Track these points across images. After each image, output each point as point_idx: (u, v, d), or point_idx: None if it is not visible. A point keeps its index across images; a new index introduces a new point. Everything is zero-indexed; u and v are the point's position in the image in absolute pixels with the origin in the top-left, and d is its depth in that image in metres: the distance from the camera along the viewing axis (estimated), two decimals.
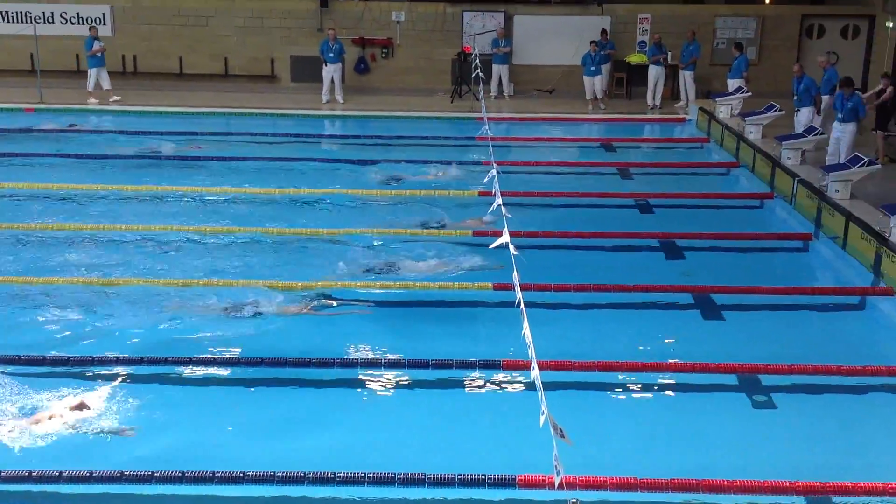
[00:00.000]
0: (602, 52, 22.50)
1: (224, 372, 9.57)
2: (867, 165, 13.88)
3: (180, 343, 10.04)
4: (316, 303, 11.14)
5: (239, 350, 9.90)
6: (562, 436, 5.62)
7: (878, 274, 11.79)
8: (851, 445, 8.48)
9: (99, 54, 22.24)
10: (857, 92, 16.25)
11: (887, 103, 17.23)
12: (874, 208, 12.96)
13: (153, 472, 7.45)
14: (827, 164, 15.31)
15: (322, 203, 15.31)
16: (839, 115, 16.02)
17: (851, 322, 11.32)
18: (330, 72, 22.69)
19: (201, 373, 9.54)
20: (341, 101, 22.78)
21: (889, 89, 17.34)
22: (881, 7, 23.23)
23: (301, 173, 17.03)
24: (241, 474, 7.48)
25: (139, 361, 9.50)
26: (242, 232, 13.62)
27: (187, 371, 9.52)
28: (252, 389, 9.27)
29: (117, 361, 9.51)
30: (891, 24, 22.52)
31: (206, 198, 15.39)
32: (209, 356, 9.74)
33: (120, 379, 9.27)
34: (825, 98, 17.72)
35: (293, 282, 11.60)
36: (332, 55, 22.55)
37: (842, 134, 15.99)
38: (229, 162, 17.62)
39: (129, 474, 7.44)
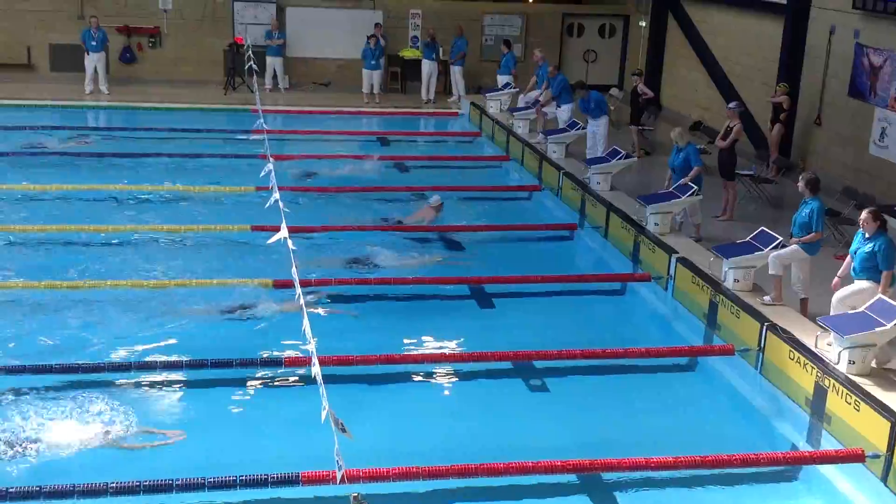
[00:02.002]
0: (381, 46, 22.70)
1: None
2: (625, 158, 14.79)
3: None
4: (80, 305, 10.66)
5: None
6: (343, 430, 5.67)
7: (637, 261, 12.60)
8: (618, 424, 9.04)
9: None
10: (591, 91, 17.22)
11: (640, 99, 18.41)
12: (632, 199, 13.83)
13: None
14: (587, 157, 16.17)
15: (90, 199, 14.59)
16: (588, 115, 16.99)
17: (614, 307, 12.04)
18: (93, 61, 21.58)
19: None
20: (106, 92, 21.73)
21: (641, 86, 18.53)
22: (634, 7, 24.75)
23: (65, 167, 16.14)
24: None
25: None
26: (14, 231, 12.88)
27: None
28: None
29: None
30: (643, 24, 24.04)
31: None
32: None
33: None
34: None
35: (60, 281, 11.05)
36: (94, 44, 21.46)
37: (596, 128, 16.95)
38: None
39: None
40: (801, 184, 10.65)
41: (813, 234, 10.31)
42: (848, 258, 9.71)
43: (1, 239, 12.69)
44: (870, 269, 9.32)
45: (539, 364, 9.96)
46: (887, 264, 9.24)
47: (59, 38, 22.87)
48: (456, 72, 23.02)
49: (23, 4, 22.68)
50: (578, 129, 16.93)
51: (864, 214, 9.44)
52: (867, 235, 9.34)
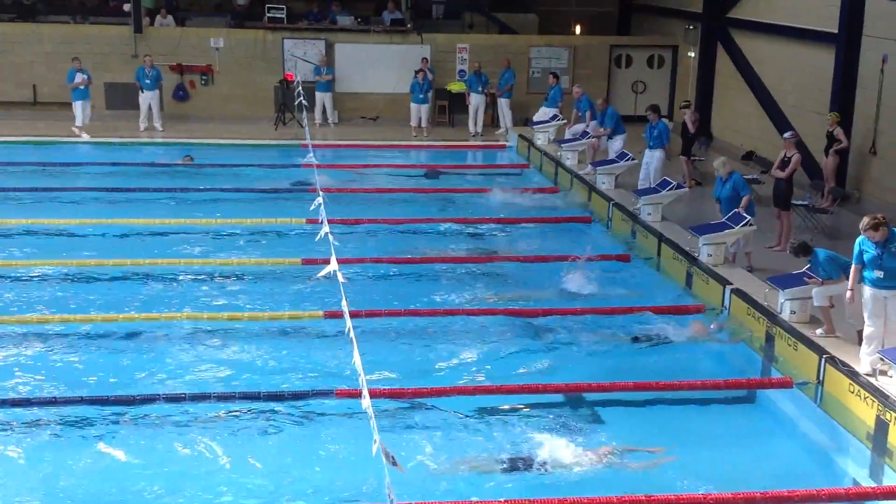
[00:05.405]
0: (428, 80, 22.85)
1: None
2: (675, 189, 14.66)
3: None
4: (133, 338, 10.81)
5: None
6: (394, 464, 5.62)
7: (690, 292, 12.42)
8: (674, 459, 8.84)
9: (82, 87, 20.84)
10: (661, 119, 17.14)
11: (689, 132, 18.27)
12: (683, 229, 13.68)
13: None
14: (638, 188, 16.05)
15: (143, 234, 14.80)
16: (649, 143, 16.86)
17: (672, 339, 11.79)
18: (147, 99, 22.01)
19: None
20: (160, 129, 22.12)
21: (689, 115, 18.37)
22: (683, 38, 24.65)
23: (125, 203, 16.42)
24: None
25: None
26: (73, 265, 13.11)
27: None
28: None
29: None
30: (692, 54, 23.93)
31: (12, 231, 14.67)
32: None
33: None
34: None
35: (116, 314, 11.23)
36: (148, 82, 21.89)
37: (650, 160, 16.84)
38: (47, 192, 16.76)
39: None
40: (791, 254, 10.69)
41: (831, 281, 10.07)
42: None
43: (58, 272, 12.92)
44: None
45: (590, 396, 9.83)
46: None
47: (114, 77, 23.34)
48: (503, 104, 23.08)
49: (83, 47, 23.17)
50: (628, 160, 16.83)
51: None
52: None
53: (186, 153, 19.74)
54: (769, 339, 10.40)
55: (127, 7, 23.90)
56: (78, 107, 21.16)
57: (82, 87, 21.12)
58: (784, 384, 9.79)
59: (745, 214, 12.58)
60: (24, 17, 25.52)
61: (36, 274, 12.85)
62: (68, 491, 7.95)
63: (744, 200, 12.91)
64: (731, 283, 11.59)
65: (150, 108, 22.08)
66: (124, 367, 10.21)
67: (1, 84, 23.59)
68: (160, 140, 21.61)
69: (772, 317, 10.49)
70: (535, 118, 21.85)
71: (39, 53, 23.58)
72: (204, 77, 24.13)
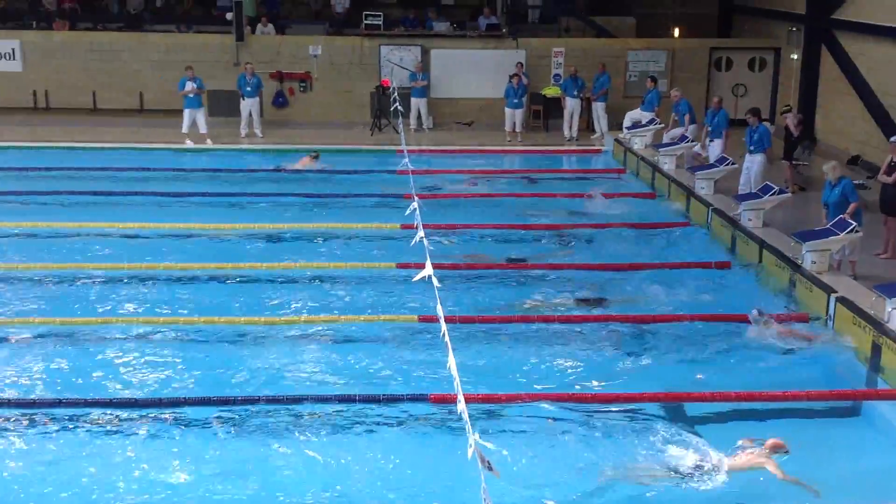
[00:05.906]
0: (523, 85, 22.80)
1: None
2: (778, 194, 14.29)
3: None
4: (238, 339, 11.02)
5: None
6: (490, 469, 5.61)
7: (793, 300, 12.08)
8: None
9: (191, 95, 21.61)
10: (762, 122, 16.72)
11: (792, 135, 17.78)
12: (786, 236, 13.33)
13: None
14: (739, 193, 15.70)
15: (239, 237, 15.10)
16: (749, 147, 16.47)
17: (770, 347, 11.50)
18: (248, 106, 22.49)
19: None
20: (260, 135, 22.58)
21: (791, 118, 17.88)
22: (785, 40, 24.05)
23: (217, 208, 16.80)
24: None
25: None
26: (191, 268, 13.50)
27: None
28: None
29: None
30: (795, 56, 23.31)
31: (130, 235, 15.14)
32: None
33: None
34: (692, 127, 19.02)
35: (212, 316, 11.50)
36: (249, 89, 22.37)
37: (751, 164, 16.44)
38: (154, 197, 17.27)
39: None
40: None
41: None
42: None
43: (163, 275, 13.31)
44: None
45: (691, 408, 9.63)
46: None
47: (216, 85, 23.89)
48: (598, 108, 22.86)
49: (187, 55, 23.80)
50: (728, 164, 16.48)
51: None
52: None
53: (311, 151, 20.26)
54: (875, 348, 10.05)
55: (229, 16, 24.49)
56: (186, 115, 21.70)
57: (191, 96, 21.64)
58: (891, 396, 9.46)
59: (850, 221, 12.19)
60: (131, 26, 26.45)
61: (145, 276, 13.22)
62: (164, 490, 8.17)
63: (850, 207, 12.52)
64: (836, 291, 11.24)
65: (250, 115, 22.55)
66: (223, 369, 10.42)
67: (109, 92, 24.41)
68: (260, 146, 22.05)
69: (879, 326, 10.14)
70: (626, 122, 21.58)
71: (145, 62, 24.34)
72: (302, 84, 24.56)
